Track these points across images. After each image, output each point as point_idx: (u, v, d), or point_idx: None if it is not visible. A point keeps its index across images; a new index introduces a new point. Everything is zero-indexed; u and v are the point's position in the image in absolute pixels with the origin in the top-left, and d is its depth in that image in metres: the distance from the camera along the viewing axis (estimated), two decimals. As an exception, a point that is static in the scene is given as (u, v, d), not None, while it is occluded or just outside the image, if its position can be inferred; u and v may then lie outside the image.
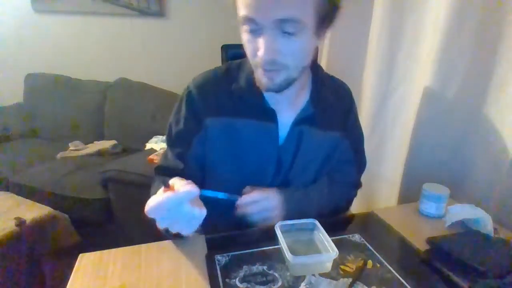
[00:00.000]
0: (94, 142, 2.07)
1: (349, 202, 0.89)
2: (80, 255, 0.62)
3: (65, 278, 0.56)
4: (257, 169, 0.73)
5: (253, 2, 0.53)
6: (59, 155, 1.90)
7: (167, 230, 0.57)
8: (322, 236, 0.62)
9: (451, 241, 0.66)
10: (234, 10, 0.58)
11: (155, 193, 0.53)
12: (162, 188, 0.52)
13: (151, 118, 2.03)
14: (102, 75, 2.22)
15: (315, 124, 0.73)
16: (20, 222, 1.20)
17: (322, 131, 0.74)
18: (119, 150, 2.02)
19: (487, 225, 0.70)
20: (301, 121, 0.71)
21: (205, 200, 0.57)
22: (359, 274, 0.57)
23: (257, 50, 0.58)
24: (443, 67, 0.93)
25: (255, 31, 0.57)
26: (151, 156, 1.65)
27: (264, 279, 0.55)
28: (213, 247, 0.64)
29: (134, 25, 2.29)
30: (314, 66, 0.74)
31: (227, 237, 0.69)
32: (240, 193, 0.69)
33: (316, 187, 0.78)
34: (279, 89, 0.63)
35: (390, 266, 0.59)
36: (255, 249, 0.63)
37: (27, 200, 1.42)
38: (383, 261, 0.61)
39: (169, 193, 0.50)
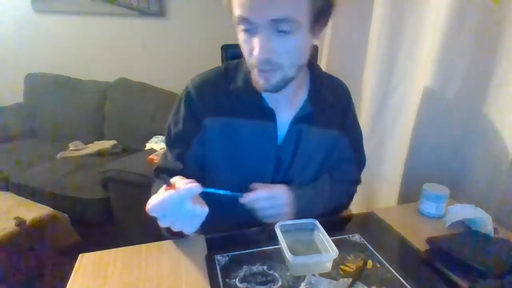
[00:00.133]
0: (94, 142, 2.07)
1: (350, 198, 0.89)
2: (80, 255, 0.62)
3: (65, 278, 0.56)
4: (256, 169, 0.73)
5: (248, 2, 0.54)
6: (59, 155, 1.90)
7: (168, 229, 0.56)
8: (322, 236, 0.62)
9: (451, 241, 0.66)
10: (229, 10, 0.58)
11: (155, 192, 0.53)
12: (164, 186, 0.52)
13: (151, 118, 2.03)
14: (102, 75, 2.22)
15: (314, 123, 0.73)
16: (20, 222, 1.20)
17: (320, 129, 0.74)
18: (119, 150, 2.02)
19: (487, 225, 0.70)
20: (299, 119, 0.71)
21: (207, 199, 0.57)
22: (359, 274, 0.57)
23: (253, 49, 0.58)
24: (443, 67, 0.93)
25: (250, 31, 0.57)
26: (151, 156, 1.65)
27: (264, 279, 0.55)
28: (213, 247, 0.64)
29: (134, 25, 2.29)
30: (312, 65, 0.74)
31: (227, 237, 0.69)
32: (240, 192, 0.68)
33: (320, 185, 0.78)
34: (276, 89, 0.63)
35: (390, 266, 0.59)
36: (255, 249, 0.63)
37: (27, 200, 1.42)
38: (383, 261, 0.61)
39: (170, 191, 0.50)
